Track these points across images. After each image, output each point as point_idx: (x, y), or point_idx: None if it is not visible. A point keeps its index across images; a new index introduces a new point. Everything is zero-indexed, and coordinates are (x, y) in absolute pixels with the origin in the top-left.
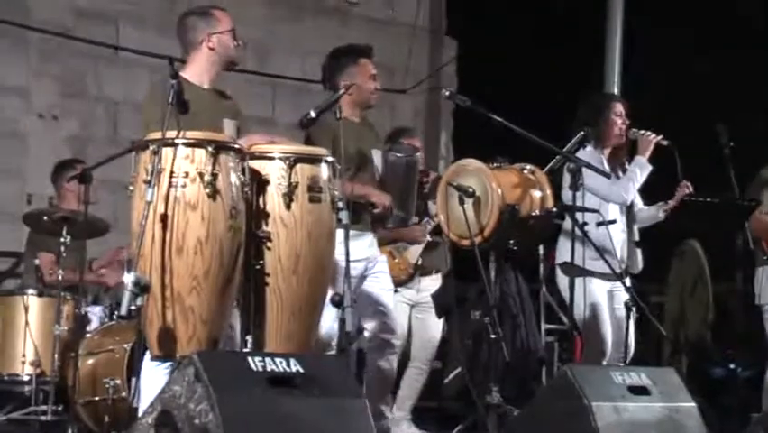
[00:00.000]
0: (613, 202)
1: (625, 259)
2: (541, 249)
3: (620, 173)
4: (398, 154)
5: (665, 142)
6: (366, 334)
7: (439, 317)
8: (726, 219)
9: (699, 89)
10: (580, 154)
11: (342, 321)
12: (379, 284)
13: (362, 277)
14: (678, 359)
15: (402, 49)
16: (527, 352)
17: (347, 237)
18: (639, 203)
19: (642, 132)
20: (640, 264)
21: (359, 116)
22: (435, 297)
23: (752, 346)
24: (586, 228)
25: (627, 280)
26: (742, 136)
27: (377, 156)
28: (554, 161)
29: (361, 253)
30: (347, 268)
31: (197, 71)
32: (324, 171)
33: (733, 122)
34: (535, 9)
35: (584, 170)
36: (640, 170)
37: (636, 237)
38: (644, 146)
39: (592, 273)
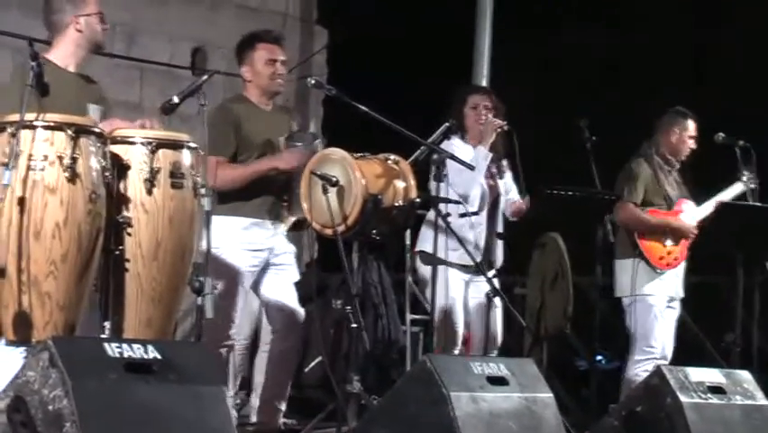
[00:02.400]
0: (459, 192)
1: (481, 249)
2: (408, 239)
3: (494, 168)
4: (298, 143)
5: (506, 128)
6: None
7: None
8: (587, 212)
9: (565, 82)
10: (450, 146)
11: (200, 309)
12: (285, 275)
13: (264, 268)
14: (538, 350)
15: None
16: (388, 341)
17: (209, 224)
18: (515, 195)
19: (489, 119)
20: (500, 258)
21: (268, 104)
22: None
23: (611, 339)
24: (449, 219)
25: (491, 273)
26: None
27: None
28: (419, 151)
29: (261, 242)
30: (207, 254)
31: (63, 54)
32: (186, 157)
33: (602, 115)
34: None
35: (447, 161)
36: (478, 160)
37: (500, 229)
38: (485, 133)
39: (449, 263)
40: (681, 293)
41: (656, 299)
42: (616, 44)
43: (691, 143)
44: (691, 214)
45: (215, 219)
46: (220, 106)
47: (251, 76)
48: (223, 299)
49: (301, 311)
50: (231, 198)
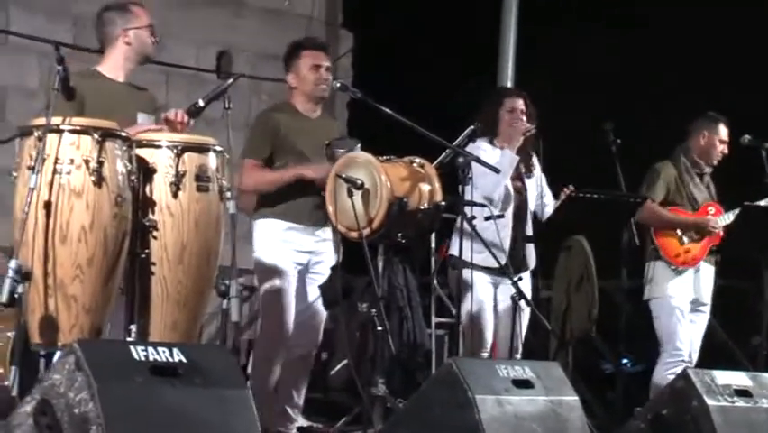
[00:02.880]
0: (483, 194)
1: (506, 251)
2: (433, 242)
3: (522, 169)
4: (340, 150)
5: (533, 130)
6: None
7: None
8: (613, 215)
9: (593, 83)
10: (476, 149)
11: (225, 312)
12: (315, 286)
13: (304, 271)
14: (564, 353)
15: None
16: (414, 345)
17: (233, 227)
18: (549, 202)
19: (518, 122)
20: (532, 260)
21: (315, 110)
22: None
23: (637, 342)
24: (474, 222)
25: (526, 276)
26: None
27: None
28: (444, 154)
29: (306, 245)
30: (233, 259)
31: (113, 66)
32: (212, 160)
33: (630, 116)
34: (432, 1)
35: (473, 164)
36: (503, 163)
37: (529, 232)
38: (513, 137)
39: (475, 267)
40: (708, 298)
41: (678, 300)
42: (628, 43)
43: (723, 148)
44: (718, 218)
45: (256, 223)
46: (261, 113)
47: (296, 83)
48: (276, 302)
49: (321, 324)
50: (269, 202)
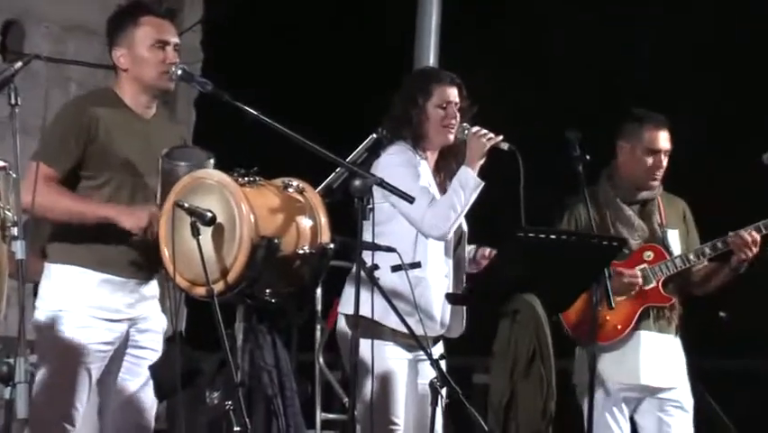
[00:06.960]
0: (426, 234)
1: (446, 319)
2: (318, 303)
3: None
4: (180, 163)
5: (505, 146)
6: None
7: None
8: (579, 265)
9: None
10: (386, 162)
11: (9, 404)
12: (142, 371)
13: (119, 349)
14: None
15: None
16: None
17: (23, 281)
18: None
19: (474, 129)
20: (462, 326)
21: (149, 107)
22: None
23: None
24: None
25: (438, 348)
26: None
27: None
28: (334, 175)
29: (119, 309)
30: (20, 327)
31: None
32: None
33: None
34: None
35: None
36: (464, 188)
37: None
38: (474, 151)
39: (382, 330)
40: (675, 382)
41: (610, 386)
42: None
43: (656, 161)
44: (648, 268)
45: (53, 269)
46: (72, 101)
47: (128, 63)
48: (58, 389)
49: (150, 424)
50: (73, 238)
